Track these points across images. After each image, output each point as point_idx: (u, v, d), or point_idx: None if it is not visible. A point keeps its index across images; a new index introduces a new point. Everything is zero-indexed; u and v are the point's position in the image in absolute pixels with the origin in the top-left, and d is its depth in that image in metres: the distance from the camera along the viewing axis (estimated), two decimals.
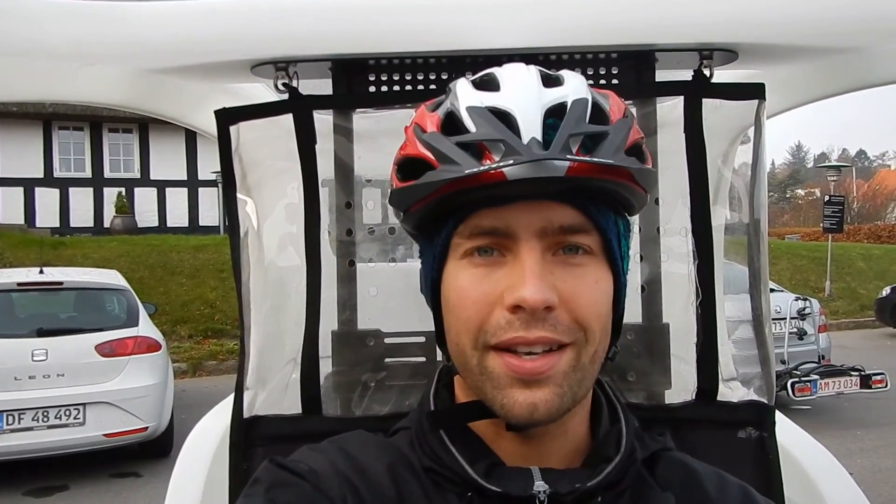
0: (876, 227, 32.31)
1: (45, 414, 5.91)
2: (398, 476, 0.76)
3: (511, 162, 0.65)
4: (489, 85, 0.75)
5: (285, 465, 0.76)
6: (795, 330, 8.32)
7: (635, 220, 1.25)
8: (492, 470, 0.74)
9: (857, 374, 7.61)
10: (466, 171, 0.66)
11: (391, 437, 0.85)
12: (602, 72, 1.20)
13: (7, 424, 5.81)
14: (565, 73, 0.76)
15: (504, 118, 0.69)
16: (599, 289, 0.72)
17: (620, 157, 0.69)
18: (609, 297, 0.73)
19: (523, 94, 0.72)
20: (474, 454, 0.75)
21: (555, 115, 0.70)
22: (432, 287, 0.78)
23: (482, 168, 0.66)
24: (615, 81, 1.20)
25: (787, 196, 53.84)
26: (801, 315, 8.45)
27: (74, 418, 5.99)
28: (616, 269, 0.74)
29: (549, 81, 0.74)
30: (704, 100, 1.16)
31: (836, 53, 1.15)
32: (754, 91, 1.16)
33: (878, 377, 7.57)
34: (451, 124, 0.73)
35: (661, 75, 1.21)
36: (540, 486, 0.71)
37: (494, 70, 0.77)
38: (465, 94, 0.74)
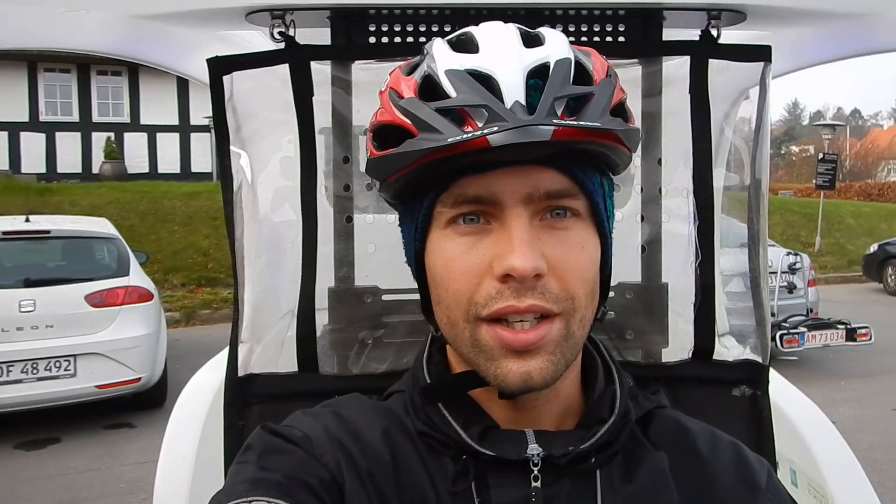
0: (867, 185, 32.51)
1: (35, 366, 5.78)
2: (393, 440, 0.75)
3: (495, 129, 0.62)
4: (467, 46, 0.72)
5: (278, 431, 0.74)
6: (786, 284, 8.43)
7: (637, 181, 1.24)
8: (486, 433, 0.73)
9: (843, 327, 7.72)
10: (449, 140, 0.63)
11: (386, 400, 0.84)
12: (609, 29, 1.17)
13: None
14: (545, 32, 0.73)
15: (485, 81, 0.66)
16: (586, 254, 0.70)
17: (606, 118, 0.67)
18: (595, 262, 0.72)
19: (504, 56, 0.68)
20: (468, 418, 0.74)
21: (537, 76, 0.67)
22: (416, 257, 0.76)
23: (465, 136, 0.63)
24: (621, 39, 1.17)
25: (782, 152, 53.83)
26: (792, 270, 8.54)
27: (65, 370, 5.87)
28: (602, 230, 0.73)
29: (530, 41, 0.71)
30: (710, 60, 1.14)
31: (842, 18, 1.14)
32: (761, 53, 1.15)
33: (863, 331, 7.69)
34: (430, 89, 0.69)
35: (668, 34, 1.18)
36: (534, 448, 0.71)
37: (471, 30, 0.74)
38: (442, 57, 0.71)
